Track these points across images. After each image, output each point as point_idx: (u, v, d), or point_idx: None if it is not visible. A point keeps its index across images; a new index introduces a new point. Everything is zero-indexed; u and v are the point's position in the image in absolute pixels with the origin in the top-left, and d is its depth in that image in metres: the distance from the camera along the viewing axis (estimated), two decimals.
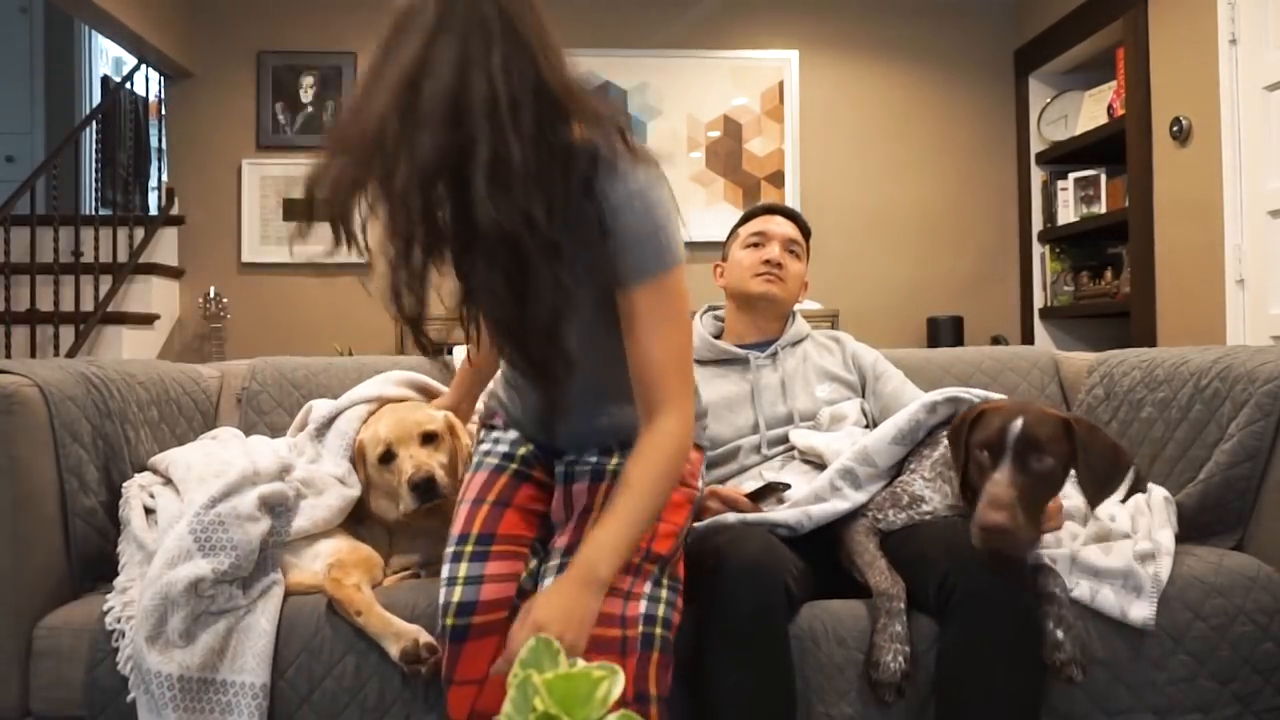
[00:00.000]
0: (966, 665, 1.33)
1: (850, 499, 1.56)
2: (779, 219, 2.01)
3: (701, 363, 1.96)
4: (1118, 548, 1.51)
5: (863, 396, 1.95)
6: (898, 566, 1.47)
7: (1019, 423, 1.37)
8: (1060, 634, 1.37)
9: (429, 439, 1.62)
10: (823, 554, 1.55)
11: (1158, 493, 1.68)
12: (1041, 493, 1.39)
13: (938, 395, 1.60)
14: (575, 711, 0.69)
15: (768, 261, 1.93)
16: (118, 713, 1.39)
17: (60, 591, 1.54)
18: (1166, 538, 1.55)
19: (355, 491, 1.61)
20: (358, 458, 1.64)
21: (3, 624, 1.46)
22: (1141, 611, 1.43)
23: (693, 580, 1.49)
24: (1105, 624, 1.45)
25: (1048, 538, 1.54)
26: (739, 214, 2.14)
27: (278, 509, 1.52)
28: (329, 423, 1.73)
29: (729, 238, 2.07)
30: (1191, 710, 1.45)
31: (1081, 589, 1.46)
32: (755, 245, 1.97)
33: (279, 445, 1.75)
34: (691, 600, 1.47)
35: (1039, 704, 1.35)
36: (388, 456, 1.60)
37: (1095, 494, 1.42)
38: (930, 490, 1.55)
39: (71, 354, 3.67)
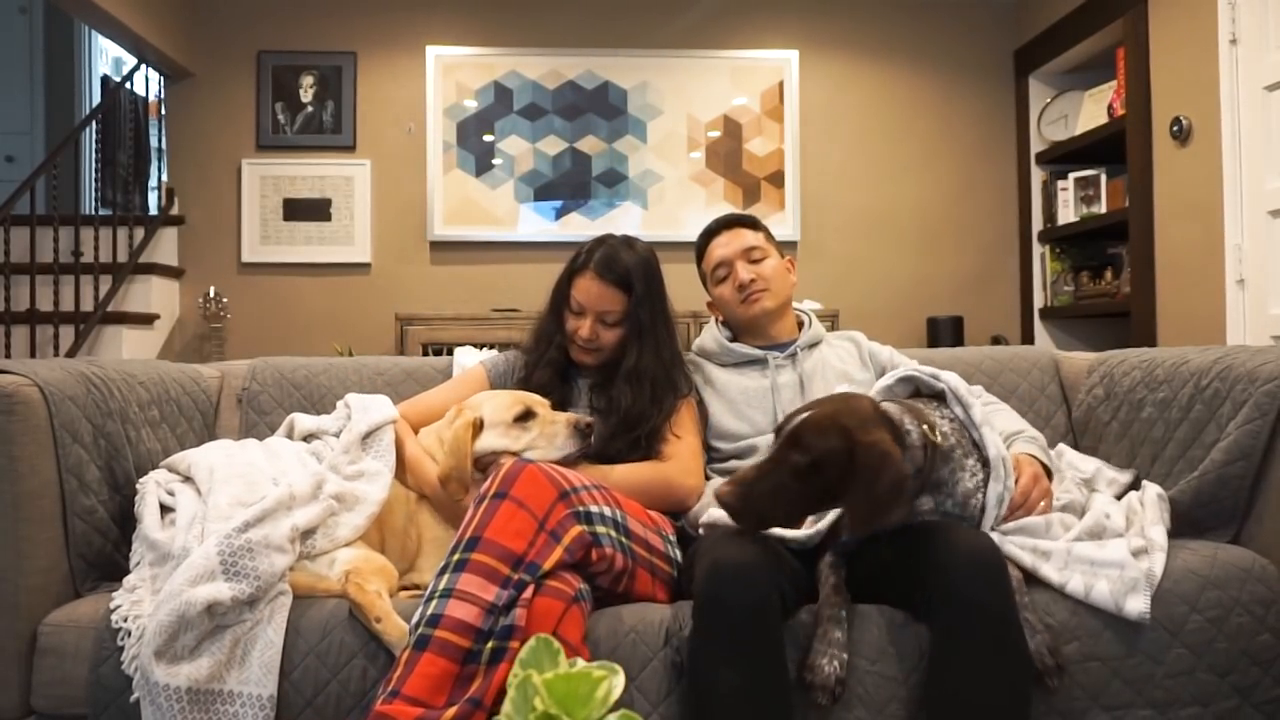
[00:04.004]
0: (952, 667, 1.33)
1: None
2: (723, 237, 2.02)
3: (721, 365, 1.98)
4: (1113, 543, 1.51)
5: None
6: (881, 571, 1.47)
7: (801, 416, 1.39)
8: (1031, 646, 1.36)
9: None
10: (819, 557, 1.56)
11: (1151, 490, 1.69)
12: (789, 486, 1.36)
13: (890, 379, 1.59)
14: (575, 711, 0.69)
15: (742, 286, 1.95)
16: (120, 711, 1.39)
17: (61, 591, 1.54)
18: (1159, 534, 1.56)
19: (375, 508, 1.62)
20: (463, 432, 1.68)
21: (3, 624, 1.47)
22: (1137, 605, 1.43)
23: (687, 580, 1.50)
24: (1101, 619, 1.45)
25: (1037, 523, 1.54)
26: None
27: (306, 532, 1.53)
28: (368, 434, 1.76)
29: (700, 275, 2.09)
30: (1190, 703, 1.45)
31: (1075, 583, 1.46)
32: (724, 278, 1.99)
33: (302, 450, 1.75)
34: (686, 599, 1.47)
35: (1028, 701, 1.34)
36: (526, 415, 1.73)
37: (859, 518, 1.37)
38: None
39: (71, 354, 3.67)
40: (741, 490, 1.38)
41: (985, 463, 1.50)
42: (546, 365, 1.91)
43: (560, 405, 1.86)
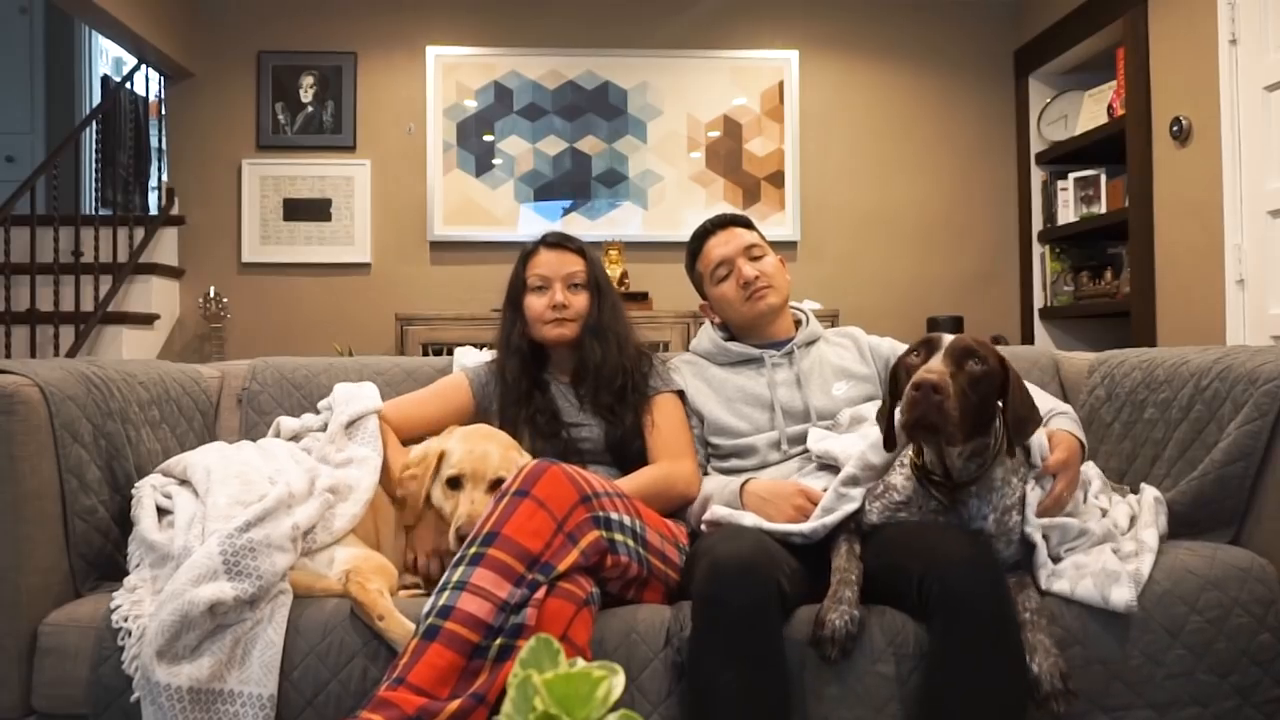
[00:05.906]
0: (950, 667, 1.33)
1: (856, 499, 1.57)
2: (720, 236, 2.00)
3: (719, 365, 1.98)
4: (1096, 549, 1.53)
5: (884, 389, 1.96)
6: (879, 572, 1.47)
7: (950, 337, 1.45)
8: (1035, 668, 1.34)
9: (496, 485, 1.63)
10: (820, 557, 1.56)
11: (1148, 493, 1.70)
12: (974, 394, 1.40)
13: None
14: (575, 711, 0.69)
15: (747, 284, 1.93)
16: (121, 711, 1.39)
17: (61, 591, 1.54)
18: (1150, 536, 1.57)
19: (369, 493, 1.63)
20: (431, 460, 1.67)
21: (3, 624, 1.47)
22: (1122, 596, 1.42)
23: (686, 578, 1.50)
24: (1100, 621, 1.45)
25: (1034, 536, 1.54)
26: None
27: (307, 532, 1.54)
28: (351, 424, 1.77)
29: (693, 277, 2.07)
30: (1190, 704, 1.45)
31: (1061, 583, 1.47)
32: (726, 276, 1.97)
33: (295, 449, 1.76)
34: (685, 598, 1.47)
35: (1025, 701, 1.34)
36: (455, 482, 1.65)
37: (1023, 425, 1.46)
38: (904, 479, 1.55)
39: (71, 354, 3.67)
40: (943, 376, 1.37)
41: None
42: (513, 354, 1.92)
43: (544, 415, 1.87)
